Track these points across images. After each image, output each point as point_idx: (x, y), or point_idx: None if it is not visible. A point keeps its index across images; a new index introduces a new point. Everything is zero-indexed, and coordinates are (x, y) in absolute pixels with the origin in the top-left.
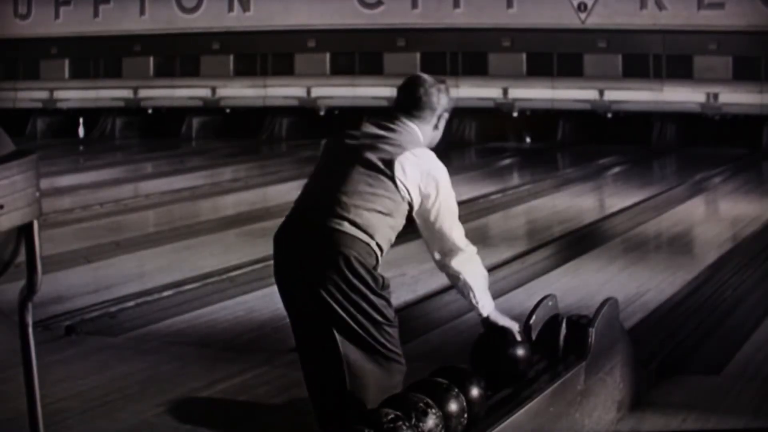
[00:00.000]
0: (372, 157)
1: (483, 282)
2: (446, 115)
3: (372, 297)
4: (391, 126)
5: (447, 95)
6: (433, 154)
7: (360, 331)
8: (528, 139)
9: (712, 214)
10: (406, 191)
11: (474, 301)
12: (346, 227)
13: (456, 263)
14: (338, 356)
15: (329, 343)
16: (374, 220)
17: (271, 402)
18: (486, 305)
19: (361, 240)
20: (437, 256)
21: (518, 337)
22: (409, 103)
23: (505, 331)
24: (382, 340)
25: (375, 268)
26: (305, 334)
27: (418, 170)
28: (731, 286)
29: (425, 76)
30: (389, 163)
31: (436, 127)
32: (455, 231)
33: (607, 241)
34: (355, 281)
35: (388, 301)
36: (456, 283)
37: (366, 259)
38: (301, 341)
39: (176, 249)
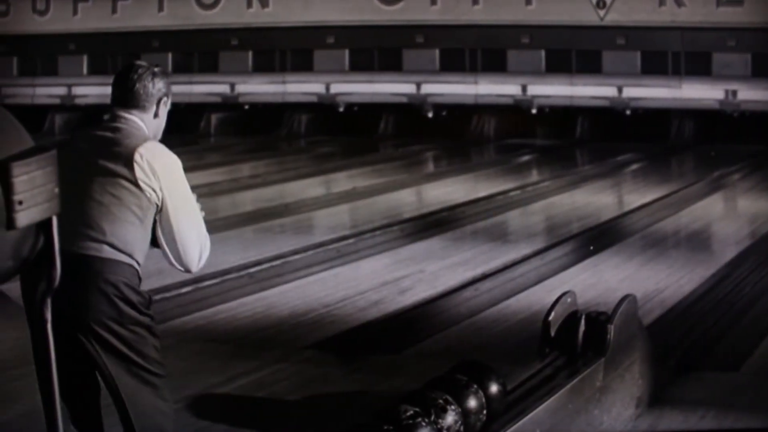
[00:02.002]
0: (107, 163)
1: None
2: (167, 101)
3: (143, 318)
4: (113, 124)
5: (163, 79)
6: (162, 146)
7: (137, 358)
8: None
9: (731, 211)
10: (152, 192)
11: None
12: (107, 252)
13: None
14: (116, 391)
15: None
16: (130, 237)
17: (288, 398)
18: None
19: (124, 263)
20: (175, 263)
21: None
22: (124, 94)
23: None
24: (155, 359)
25: (139, 286)
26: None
27: (156, 166)
28: (749, 283)
29: (138, 63)
30: (127, 166)
31: (156, 115)
32: (193, 233)
33: (626, 237)
34: (128, 309)
35: (152, 317)
36: None
37: (133, 282)
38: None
39: None
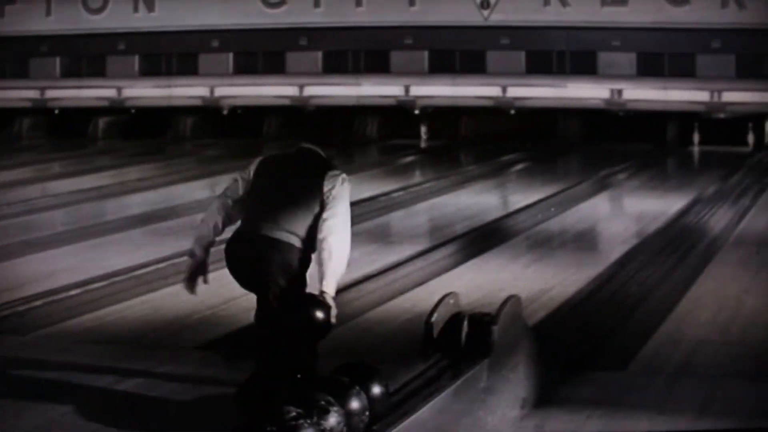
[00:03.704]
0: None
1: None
2: None
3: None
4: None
5: None
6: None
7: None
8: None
9: (617, 210)
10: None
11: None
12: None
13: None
14: None
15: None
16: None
17: (179, 398)
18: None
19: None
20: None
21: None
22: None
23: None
24: None
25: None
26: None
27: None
28: (636, 282)
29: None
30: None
31: None
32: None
33: (511, 238)
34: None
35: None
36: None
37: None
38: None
39: (84, 248)
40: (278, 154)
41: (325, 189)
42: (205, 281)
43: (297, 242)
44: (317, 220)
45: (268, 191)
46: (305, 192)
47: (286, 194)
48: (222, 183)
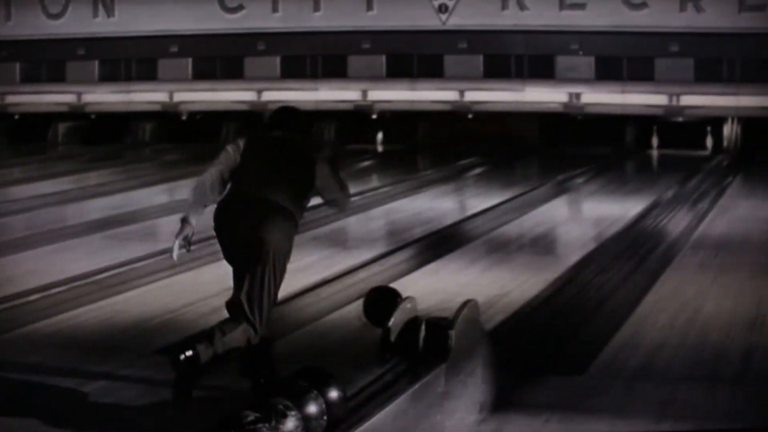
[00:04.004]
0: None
1: None
2: None
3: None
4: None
5: None
6: None
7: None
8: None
9: (575, 214)
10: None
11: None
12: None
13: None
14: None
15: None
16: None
17: (136, 403)
18: None
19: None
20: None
21: None
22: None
23: None
24: None
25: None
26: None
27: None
28: (594, 286)
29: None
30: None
31: None
32: None
33: (468, 242)
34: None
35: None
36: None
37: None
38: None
39: (44, 253)
40: (266, 133)
41: (317, 168)
42: (189, 250)
43: (291, 207)
44: (309, 195)
45: (262, 161)
46: (300, 166)
47: (279, 165)
48: (181, 188)
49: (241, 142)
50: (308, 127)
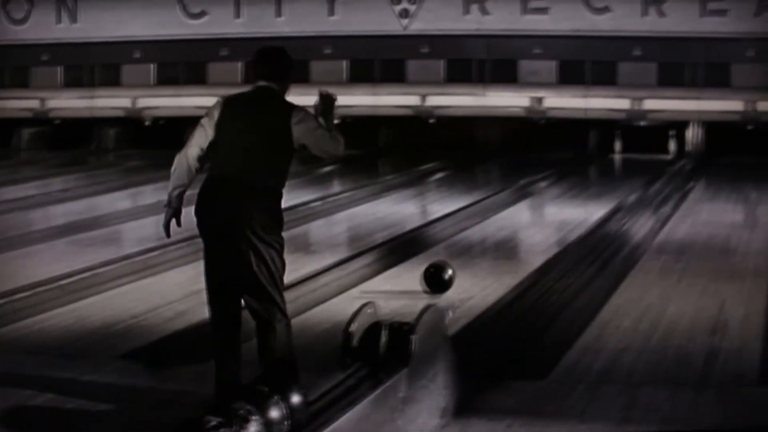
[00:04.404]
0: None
1: None
2: None
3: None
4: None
5: None
6: None
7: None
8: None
9: (538, 218)
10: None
11: None
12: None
13: None
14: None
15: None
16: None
17: (100, 408)
18: None
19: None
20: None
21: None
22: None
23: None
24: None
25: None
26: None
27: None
28: (557, 290)
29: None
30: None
31: None
32: None
33: (430, 247)
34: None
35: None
36: None
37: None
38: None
39: (8, 258)
40: (239, 95)
41: (294, 130)
42: (179, 224)
43: (273, 184)
44: (289, 160)
45: (239, 136)
46: (275, 134)
47: (256, 138)
48: (145, 193)
49: (216, 112)
50: (288, 74)
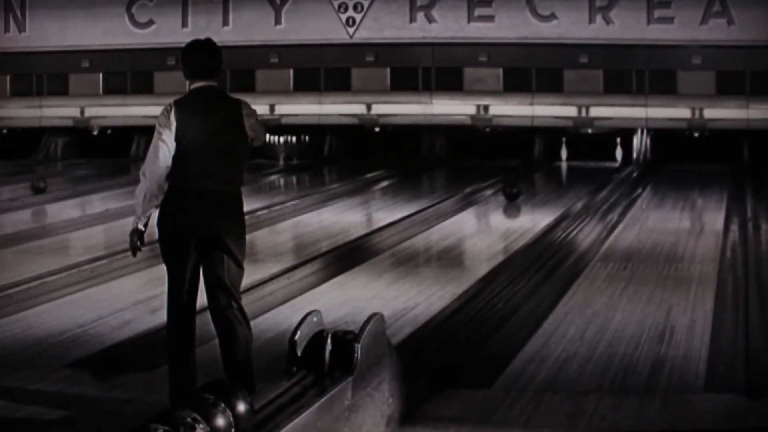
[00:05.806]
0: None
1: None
2: None
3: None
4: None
5: None
6: None
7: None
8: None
9: (483, 226)
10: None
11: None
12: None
13: None
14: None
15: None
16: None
17: (47, 417)
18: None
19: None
20: None
21: None
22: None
23: None
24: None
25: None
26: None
27: None
28: (503, 298)
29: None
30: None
31: None
32: None
33: (375, 255)
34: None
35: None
36: None
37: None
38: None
39: None
40: (189, 99)
41: (246, 123)
42: (143, 244)
43: (236, 188)
44: (246, 152)
45: (200, 143)
46: (234, 138)
47: (217, 143)
48: (93, 202)
49: (173, 120)
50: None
